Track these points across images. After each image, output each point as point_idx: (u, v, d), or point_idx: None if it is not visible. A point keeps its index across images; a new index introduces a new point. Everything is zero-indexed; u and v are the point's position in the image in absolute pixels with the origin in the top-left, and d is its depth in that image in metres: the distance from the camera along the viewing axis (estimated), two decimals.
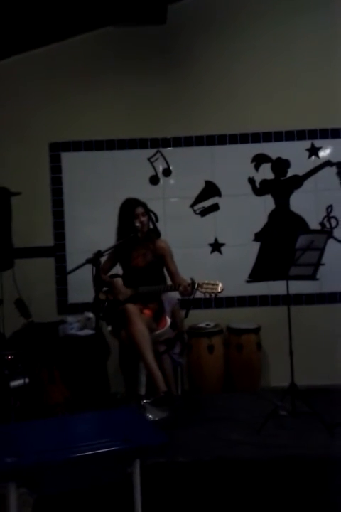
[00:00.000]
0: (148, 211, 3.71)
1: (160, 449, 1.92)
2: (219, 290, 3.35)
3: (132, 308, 3.44)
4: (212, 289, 3.36)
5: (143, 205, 3.68)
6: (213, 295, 3.38)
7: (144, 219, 3.63)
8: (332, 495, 2.73)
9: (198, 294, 3.42)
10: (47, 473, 1.73)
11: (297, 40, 4.59)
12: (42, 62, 4.61)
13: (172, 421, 3.48)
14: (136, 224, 3.55)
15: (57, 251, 4.64)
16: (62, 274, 4.58)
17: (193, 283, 3.38)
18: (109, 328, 3.68)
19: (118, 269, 3.79)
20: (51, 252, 4.64)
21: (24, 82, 4.62)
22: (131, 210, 3.61)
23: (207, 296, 3.39)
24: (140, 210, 3.62)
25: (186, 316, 3.66)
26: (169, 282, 3.69)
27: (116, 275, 3.75)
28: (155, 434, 1.98)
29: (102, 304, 3.60)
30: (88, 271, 3.51)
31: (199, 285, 3.38)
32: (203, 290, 3.37)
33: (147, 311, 3.57)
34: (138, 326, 3.38)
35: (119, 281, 3.68)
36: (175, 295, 4.16)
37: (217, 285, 3.37)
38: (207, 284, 3.37)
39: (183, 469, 2.86)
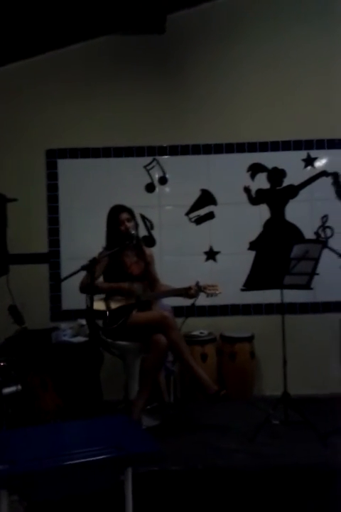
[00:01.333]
0: (134, 217, 3.74)
1: (152, 457, 1.91)
2: (220, 290, 3.62)
3: (169, 314, 3.56)
4: (214, 289, 3.61)
5: (129, 210, 3.71)
6: (214, 295, 3.62)
7: (130, 225, 3.65)
8: (324, 503, 2.73)
9: (202, 298, 3.66)
10: (40, 480, 1.73)
11: (294, 50, 4.62)
12: (40, 70, 4.63)
13: (164, 429, 3.48)
14: (122, 230, 3.59)
15: (52, 257, 4.64)
16: (56, 280, 4.57)
17: (199, 286, 3.58)
18: (107, 338, 3.66)
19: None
20: (45, 259, 4.64)
21: (21, 89, 4.63)
22: (115, 215, 3.65)
23: (210, 297, 3.61)
24: (125, 215, 3.66)
25: (186, 318, 3.80)
26: None
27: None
28: (147, 442, 1.97)
29: (103, 315, 3.59)
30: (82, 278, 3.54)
31: (203, 287, 3.60)
32: (207, 291, 3.60)
33: None
34: (179, 331, 3.53)
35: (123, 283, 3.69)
36: (168, 302, 4.19)
37: (217, 286, 3.63)
38: (209, 285, 3.61)
39: (175, 478, 2.86)
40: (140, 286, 3.70)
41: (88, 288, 3.42)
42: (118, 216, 3.65)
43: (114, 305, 3.62)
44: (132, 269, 3.71)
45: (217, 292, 3.61)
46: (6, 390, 3.28)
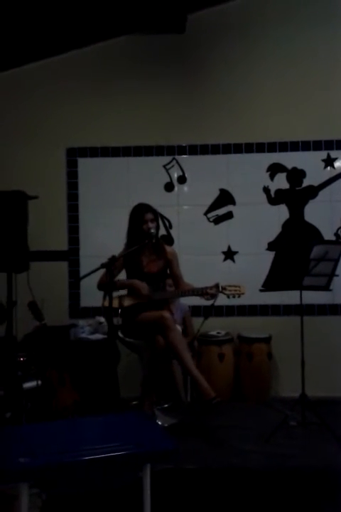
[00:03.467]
0: (157, 218, 3.75)
1: (170, 455, 1.93)
2: (243, 292, 3.49)
3: (168, 315, 3.48)
4: (236, 290, 3.49)
5: (154, 211, 3.72)
6: (237, 296, 3.50)
7: (153, 225, 3.66)
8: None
9: (220, 298, 3.54)
10: (59, 474, 1.75)
11: (314, 50, 4.60)
12: (61, 69, 4.68)
13: (181, 428, 3.50)
14: (144, 229, 3.60)
15: (71, 255, 4.69)
16: (75, 278, 4.62)
17: (217, 286, 3.49)
18: (120, 334, 3.70)
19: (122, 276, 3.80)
20: (65, 256, 4.69)
21: (43, 88, 4.69)
22: (141, 214, 3.65)
23: (231, 297, 3.50)
24: (150, 216, 3.67)
25: (206, 318, 3.73)
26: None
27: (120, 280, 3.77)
28: (165, 439, 1.99)
29: (116, 312, 3.62)
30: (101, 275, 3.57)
31: (223, 288, 3.49)
32: (227, 292, 3.49)
33: None
34: (177, 333, 3.47)
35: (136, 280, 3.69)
36: (187, 302, 4.20)
37: (240, 287, 3.50)
38: (230, 286, 3.50)
39: (191, 476, 2.87)
40: (156, 284, 3.69)
41: (106, 286, 3.45)
42: (143, 215, 3.65)
43: (126, 303, 3.65)
44: (148, 268, 3.72)
45: (240, 294, 3.49)
46: (27, 385, 3.33)
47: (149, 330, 3.48)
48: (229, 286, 3.51)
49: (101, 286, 3.63)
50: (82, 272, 4.54)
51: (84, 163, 4.69)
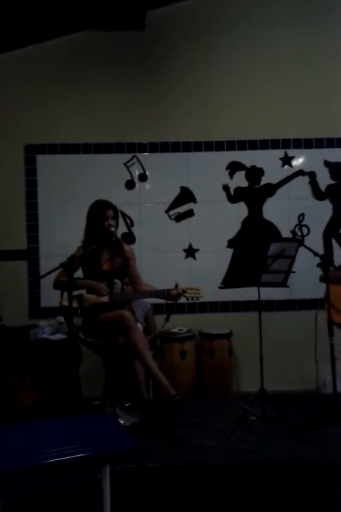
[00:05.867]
0: (117, 216, 3.71)
1: (130, 455, 1.93)
2: (202, 295, 3.49)
3: (128, 314, 3.44)
4: (195, 293, 3.49)
5: (115, 208, 3.69)
6: (196, 299, 3.49)
7: (113, 223, 3.63)
8: (299, 498, 2.79)
9: (181, 299, 3.51)
10: (17, 479, 1.73)
11: (273, 50, 4.68)
12: (19, 65, 4.59)
13: (142, 426, 3.50)
14: (105, 226, 3.55)
15: (31, 254, 4.61)
16: (34, 277, 4.54)
17: (179, 289, 3.47)
18: (81, 334, 3.66)
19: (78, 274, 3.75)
20: (24, 256, 4.61)
21: (0, 83, 4.57)
22: (102, 211, 3.60)
23: (190, 300, 3.49)
24: (111, 212, 3.63)
25: (167, 320, 3.70)
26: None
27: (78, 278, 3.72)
28: (125, 439, 1.99)
29: (75, 313, 3.57)
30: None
31: (183, 290, 3.48)
32: (187, 295, 3.48)
33: None
34: (138, 332, 3.42)
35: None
36: (149, 300, 4.20)
37: (199, 290, 3.51)
38: (190, 289, 3.50)
39: (153, 474, 2.88)
40: (118, 284, 3.66)
41: (64, 285, 3.39)
42: (105, 211, 3.60)
43: (86, 303, 3.60)
44: (106, 266, 3.68)
45: (199, 296, 3.49)
46: None
47: (110, 330, 3.45)
48: (189, 289, 3.49)
49: (57, 285, 3.56)
50: (42, 271, 4.47)
51: (42, 160, 4.62)
